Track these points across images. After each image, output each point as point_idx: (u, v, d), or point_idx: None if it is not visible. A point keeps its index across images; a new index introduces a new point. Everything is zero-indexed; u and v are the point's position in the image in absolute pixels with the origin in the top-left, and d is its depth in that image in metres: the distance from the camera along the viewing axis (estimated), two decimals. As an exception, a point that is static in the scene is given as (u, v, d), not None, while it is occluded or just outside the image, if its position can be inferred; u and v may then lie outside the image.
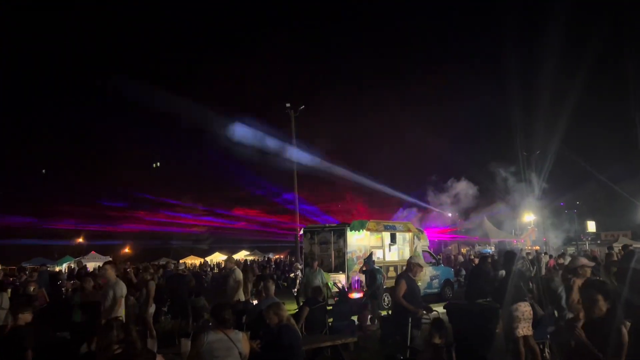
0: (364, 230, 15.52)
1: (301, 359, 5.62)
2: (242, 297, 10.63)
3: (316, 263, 13.15)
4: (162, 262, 32.52)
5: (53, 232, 44.90)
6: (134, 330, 5.13)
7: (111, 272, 8.05)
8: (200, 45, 77.47)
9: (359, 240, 15.40)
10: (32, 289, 11.98)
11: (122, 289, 7.77)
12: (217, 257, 45.02)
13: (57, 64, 75.09)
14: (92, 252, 38.86)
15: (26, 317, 5.70)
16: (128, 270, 16.19)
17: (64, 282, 18.19)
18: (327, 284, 12.83)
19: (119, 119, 74.18)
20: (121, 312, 7.56)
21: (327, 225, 17.28)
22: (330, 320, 9.53)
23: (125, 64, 70.54)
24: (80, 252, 40.18)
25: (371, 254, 14.23)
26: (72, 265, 30.78)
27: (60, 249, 43.16)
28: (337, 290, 13.70)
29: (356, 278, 14.45)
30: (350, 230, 15.31)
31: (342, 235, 15.35)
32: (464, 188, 28.16)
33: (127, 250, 50.06)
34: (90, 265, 27.89)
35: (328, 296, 12.14)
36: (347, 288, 14.21)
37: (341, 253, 15.32)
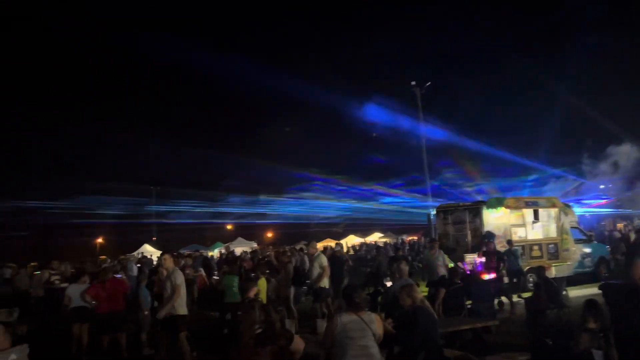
0: (502, 208, 14.62)
1: (437, 341, 5.44)
2: (327, 284, 10.34)
3: (437, 244, 12.42)
4: (301, 245, 34.12)
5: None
6: (273, 311, 5.38)
7: (169, 262, 8.23)
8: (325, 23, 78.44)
9: (497, 219, 14.54)
10: (189, 272, 13.32)
11: (179, 277, 7.87)
12: (352, 240, 45.92)
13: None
14: (239, 238, 41.91)
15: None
16: (268, 254, 17.13)
17: (214, 267, 19.85)
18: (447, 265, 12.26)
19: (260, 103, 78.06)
20: (181, 301, 7.76)
21: (461, 203, 16.58)
22: (469, 302, 9.14)
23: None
24: (229, 238, 43.62)
25: (488, 233, 13.35)
26: (223, 251, 33.56)
27: (213, 236, 47.45)
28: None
29: (478, 261, 13.58)
30: (487, 209, 14.51)
31: (478, 214, 14.63)
32: (625, 153, 24.76)
33: (269, 234, 53.36)
34: (238, 250, 30.12)
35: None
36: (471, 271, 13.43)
37: (478, 233, 14.61)
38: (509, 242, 13.48)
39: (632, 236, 13.88)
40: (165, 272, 8.18)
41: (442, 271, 10.94)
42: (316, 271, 10.37)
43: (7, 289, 16.70)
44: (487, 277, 11.70)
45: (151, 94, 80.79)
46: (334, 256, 13.66)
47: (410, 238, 38.36)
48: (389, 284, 10.09)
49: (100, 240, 51.67)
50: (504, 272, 12.17)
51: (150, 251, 36.29)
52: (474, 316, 8.28)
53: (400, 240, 37.82)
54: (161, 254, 10.50)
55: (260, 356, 4.73)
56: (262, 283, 10.49)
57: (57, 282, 14.78)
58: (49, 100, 62.90)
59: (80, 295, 9.27)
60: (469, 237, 14.89)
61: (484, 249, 12.44)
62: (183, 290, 7.88)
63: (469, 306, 8.94)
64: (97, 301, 9.16)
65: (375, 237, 43.53)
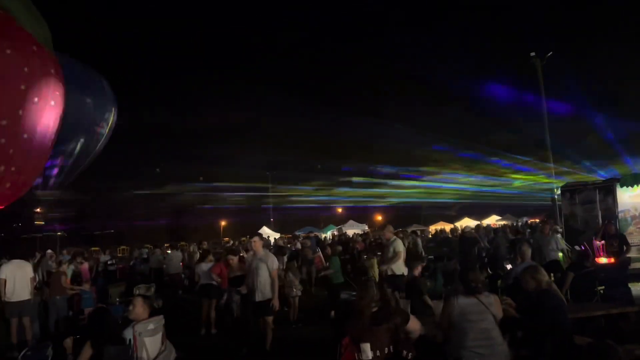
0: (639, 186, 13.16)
1: (566, 327, 5.06)
2: (402, 270, 9.36)
3: (548, 227, 11.53)
4: (413, 228, 33.73)
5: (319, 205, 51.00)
6: (388, 290, 5.37)
7: (258, 245, 8.17)
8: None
9: (634, 198, 13.11)
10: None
11: (273, 262, 7.87)
12: (467, 223, 44.35)
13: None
14: (350, 221, 42.49)
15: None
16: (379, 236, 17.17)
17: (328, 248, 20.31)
18: (564, 249, 11.23)
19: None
20: (273, 284, 7.75)
21: (590, 181, 15.21)
22: (602, 287, 8.39)
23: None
24: (341, 221, 44.41)
25: (608, 214, 11.96)
26: (335, 233, 34.29)
27: (326, 218, 48.66)
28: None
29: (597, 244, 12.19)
30: (621, 187, 13.15)
31: (610, 192, 13.31)
32: None
33: (379, 218, 53.41)
34: (350, 232, 30.58)
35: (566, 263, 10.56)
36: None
37: (610, 213, 13.32)
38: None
39: None
40: (253, 255, 8.24)
41: (554, 255, 10.17)
42: (390, 255, 9.79)
43: (145, 267, 18.45)
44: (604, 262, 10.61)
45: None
46: (464, 237, 13.30)
47: (533, 220, 36.14)
48: (508, 267, 9.61)
49: (224, 223, 55.36)
50: (628, 257, 10.87)
51: (268, 233, 38.14)
52: (607, 301, 7.61)
53: (520, 223, 35.81)
54: (251, 238, 10.88)
55: (377, 334, 4.74)
56: (374, 264, 10.57)
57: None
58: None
59: (207, 273, 10.03)
60: (600, 219, 13.65)
61: (603, 231, 11.28)
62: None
63: (601, 292, 8.23)
64: (222, 278, 9.84)
65: (492, 220, 41.63)
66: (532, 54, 24.29)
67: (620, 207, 12.93)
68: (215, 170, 50.62)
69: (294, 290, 10.53)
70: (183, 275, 16.33)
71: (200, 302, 10.09)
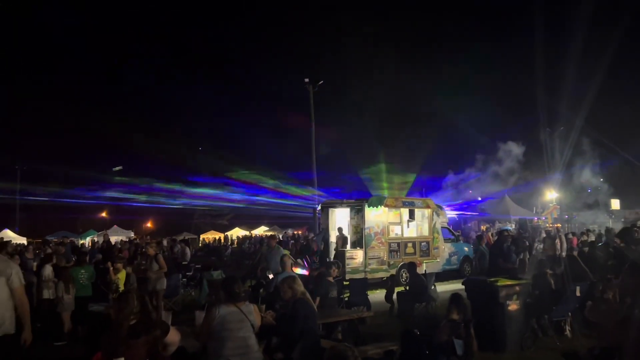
0: (382, 207, 15.39)
1: (316, 332, 5.58)
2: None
3: (275, 241, 12.02)
4: (182, 237, 33.08)
5: (77, 206, 45.85)
6: (149, 302, 5.14)
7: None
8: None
9: (377, 217, 15.28)
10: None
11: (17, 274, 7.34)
12: (237, 232, 45.48)
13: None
14: (115, 226, 39.55)
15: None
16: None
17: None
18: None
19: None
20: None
21: (344, 200, 17.19)
22: (347, 295, 9.52)
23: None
24: (103, 226, 40.91)
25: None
26: (96, 239, 31.42)
27: (84, 223, 44.07)
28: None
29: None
30: (369, 207, 15.18)
31: (360, 211, 15.25)
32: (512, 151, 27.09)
33: (149, 224, 50.95)
34: (113, 239, 28.39)
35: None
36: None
37: (359, 229, 15.26)
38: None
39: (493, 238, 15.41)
40: None
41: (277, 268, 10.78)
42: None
43: None
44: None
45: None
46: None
47: (296, 232, 38.94)
48: (270, 276, 10.17)
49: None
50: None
51: (12, 237, 32.87)
52: (350, 308, 8.66)
53: (284, 234, 38.27)
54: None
55: (133, 348, 4.50)
56: (122, 274, 10.07)
57: None
58: None
59: None
60: (350, 233, 15.55)
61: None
62: None
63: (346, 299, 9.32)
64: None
65: (261, 231, 43.56)
66: (306, 79, 26.46)
67: (366, 224, 14.89)
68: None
69: None
70: None
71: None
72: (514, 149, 25.92)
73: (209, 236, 44.88)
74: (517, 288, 7.53)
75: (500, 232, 11.80)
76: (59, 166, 47.04)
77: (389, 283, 12.27)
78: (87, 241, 32.72)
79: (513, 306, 7.33)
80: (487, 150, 27.58)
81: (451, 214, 23.62)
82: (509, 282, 7.71)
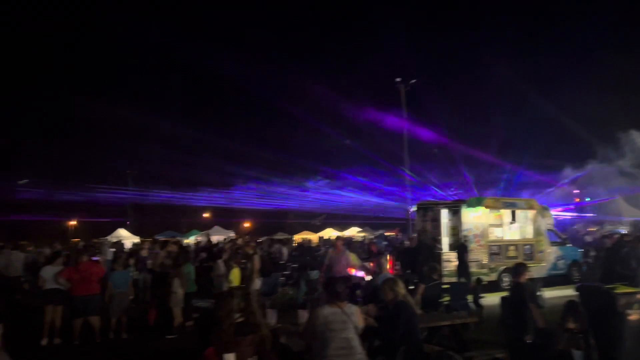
0: (481, 208, 14.78)
1: (418, 336, 5.46)
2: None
3: (341, 242, 11.41)
4: (279, 236, 34.05)
5: (182, 207, 48.99)
6: (254, 301, 5.32)
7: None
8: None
9: (476, 218, 14.70)
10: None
11: None
12: (329, 233, 45.92)
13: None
14: (216, 227, 41.58)
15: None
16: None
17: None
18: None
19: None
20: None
21: (441, 201, 16.74)
22: (447, 299, 9.23)
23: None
24: (205, 226, 43.22)
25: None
26: (199, 239, 33.28)
27: (188, 223, 46.96)
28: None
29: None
30: (467, 207, 14.65)
31: (457, 212, 14.76)
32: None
33: (247, 225, 53.06)
34: (214, 239, 29.86)
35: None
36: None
37: (456, 231, 14.78)
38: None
39: (607, 242, 14.21)
40: None
41: (344, 271, 10.23)
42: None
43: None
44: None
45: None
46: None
47: (389, 233, 38.59)
48: (367, 278, 10.14)
49: (73, 222, 50.69)
50: None
51: (125, 236, 35.75)
52: (450, 312, 8.37)
53: (376, 235, 38.04)
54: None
55: (242, 345, 4.68)
56: (235, 273, 10.50)
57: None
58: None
59: (54, 277, 9.10)
60: (447, 235, 15.08)
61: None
62: None
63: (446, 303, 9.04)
64: (71, 283, 9.02)
65: (353, 232, 43.61)
66: (398, 79, 26.20)
67: (464, 226, 14.37)
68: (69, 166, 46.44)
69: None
70: (23, 279, 14.63)
71: (43, 309, 9.12)
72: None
73: (302, 236, 45.78)
74: (639, 296, 6.86)
75: (621, 236, 10.86)
76: (165, 171, 50.62)
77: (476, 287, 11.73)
78: (191, 240, 34.68)
79: (634, 316, 6.69)
80: (601, 147, 25.51)
81: (558, 215, 22.12)
82: (628, 290, 7.05)
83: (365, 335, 5.23)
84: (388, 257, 11.38)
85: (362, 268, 11.27)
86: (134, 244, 23.79)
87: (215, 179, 48.51)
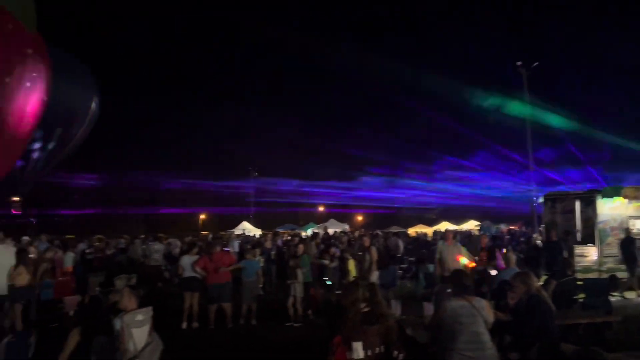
0: (619, 198, 13.46)
1: (554, 333, 5.13)
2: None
3: (451, 235, 10.94)
4: (393, 230, 33.90)
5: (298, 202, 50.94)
6: (379, 291, 5.37)
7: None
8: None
9: (613, 209, 13.41)
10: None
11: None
12: (445, 227, 44.67)
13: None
14: (331, 219, 42.49)
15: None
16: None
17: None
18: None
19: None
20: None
21: (572, 192, 15.51)
22: (582, 295, 8.55)
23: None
24: (321, 219, 44.38)
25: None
26: (316, 231, 34.25)
27: (305, 216, 48.60)
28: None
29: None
30: (602, 198, 13.42)
31: (591, 203, 13.59)
32: None
33: (360, 218, 53.59)
34: (330, 231, 30.56)
35: None
36: None
37: (590, 223, 13.61)
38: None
39: None
40: None
41: (457, 265, 9.65)
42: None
43: (122, 257, 18.17)
44: None
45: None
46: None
47: (511, 227, 36.64)
48: (493, 272, 9.72)
49: (203, 216, 54.82)
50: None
51: (249, 228, 37.88)
52: (587, 310, 7.74)
53: (496, 230, 36.30)
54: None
55: (368, 334, 4.76)
56: (351, 264, 10.65)
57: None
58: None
59: (191, 266, 9.92)
60: (580, 228, 13.94)
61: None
62: None
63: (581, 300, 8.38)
64: (206, 272, 9.76)
65: (471, 225, 42.03)
66: (519, 62, 24.68)
67: (600, 218, 13.20)
68: (197, 161, 50.38)
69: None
70: (163, 268, 16.13)
71: (182, 295, 9.98)
72: None
73: (416, 230, 45.09)
74: None
75: None
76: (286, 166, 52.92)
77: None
78: (308, 232, 35.79)
79: None
80: None
81: None
82: None
83: (495, 330, 5.04)
84: (504, 251, 10.77)
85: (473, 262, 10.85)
86: (257, 236, 25.11)
87: (338, 172, 49.72)
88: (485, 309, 4.55)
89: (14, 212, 18.38)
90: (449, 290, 5.38)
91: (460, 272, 5.10)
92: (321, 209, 53.22)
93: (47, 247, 13.99)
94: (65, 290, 10.19)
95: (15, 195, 18.03)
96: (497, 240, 18.86)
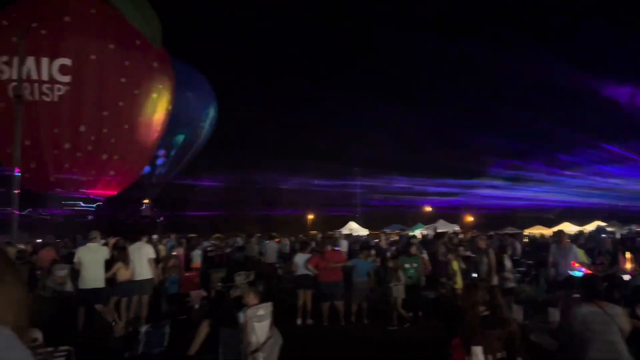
0: None
1: None
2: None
3: (565, 237, 10.17)
4: (508, 231, 32.19)
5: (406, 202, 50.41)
6: (500, 295, 5.14)
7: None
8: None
9: None
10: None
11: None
12: (567, 228, 41.41)
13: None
14: (440, 220, 41.36)
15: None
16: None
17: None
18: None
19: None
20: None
21: None
22: None
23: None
24: (429, 220, 43.40)
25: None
26: (425, 232, 33.62)
27: (413, 216, 47.89)
28: None
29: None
30: None
31: None
32: None
33: (470, 218, 51.59)
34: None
35: None
36: None
37: None
38: None
39: None
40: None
41: (570, 268, 9.01)
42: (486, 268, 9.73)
43: (240, 255, 19.16)
44: None
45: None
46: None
47: (645, 228, 33.03)
48: (625, 277, 8.89)
49: (311, 216, 56.25)
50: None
51: (355, 228, 38.12)
52: None
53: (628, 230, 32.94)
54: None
55: (489, 339, 4.58)
56: (455, 265, 10.24)
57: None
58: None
59: (304, 264, 10.25)
60: None
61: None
62: None
63: None
64: (318, 270, 10.03)
65: (594, 226, 38.52)
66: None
67: None
68: (305, 163, 51.82)
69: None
70: (277, 265, 16.80)
71: (296, 293, 10.33)
72: None
73: (533, 231, 42.25)
74: None
75: None
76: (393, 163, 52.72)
77: None
78: (417, 233, 35.21)
79: None
80: None
81: None
82: None
83: (633, 340, 4.61)
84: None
85: (589, 267, 9.96)
86: (365, 237, 25.23)
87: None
88: (620, 316, 4.20)
89: (142, 210, 20.27)
90: (576, 295, 5.03)
91: (593, 276, 4.75)
92: (429, 208, 52.06)
93: (174, 245, 15.22)
94: (191, 285, 11.01)
95: (145, 198, 19.89)
96: (627, 243, 17.15)
